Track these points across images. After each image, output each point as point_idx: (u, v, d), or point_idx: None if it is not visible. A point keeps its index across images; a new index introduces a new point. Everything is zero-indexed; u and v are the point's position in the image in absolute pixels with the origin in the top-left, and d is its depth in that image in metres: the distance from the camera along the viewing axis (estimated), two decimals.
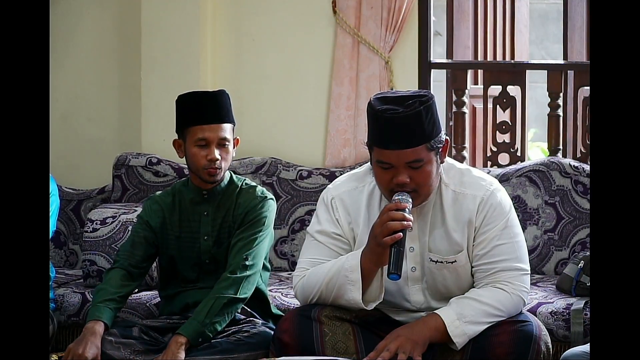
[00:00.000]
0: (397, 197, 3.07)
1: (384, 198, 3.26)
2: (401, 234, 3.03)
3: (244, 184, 3.80)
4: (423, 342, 3.08)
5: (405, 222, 3.03)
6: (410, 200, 3.08)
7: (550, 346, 3.25)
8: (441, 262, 3.25)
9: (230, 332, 3.60)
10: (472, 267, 3.27)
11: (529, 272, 3.30)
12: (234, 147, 3.74)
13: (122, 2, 5.04)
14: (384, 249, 3.06)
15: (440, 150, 3.18)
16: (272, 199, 3.80)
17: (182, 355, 3.45)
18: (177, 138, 3.74)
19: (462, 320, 3.11)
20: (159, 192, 3.97)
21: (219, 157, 3.62)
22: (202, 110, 3.67)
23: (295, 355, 3.16)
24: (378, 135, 3.15)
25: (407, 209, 3.05)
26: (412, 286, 3.29)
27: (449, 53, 6.26)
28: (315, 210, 3.49)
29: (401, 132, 3.11)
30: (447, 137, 3.26)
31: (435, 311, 3.15)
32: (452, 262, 3.26)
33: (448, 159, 3.39)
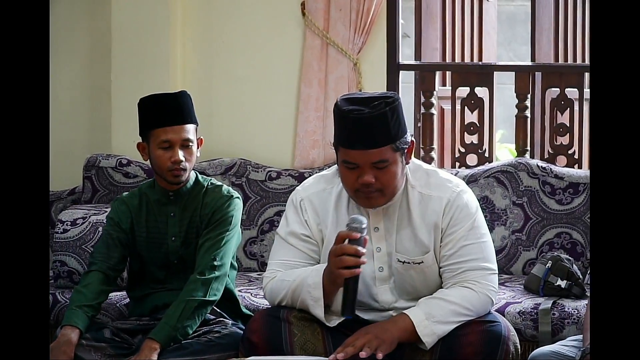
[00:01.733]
0: (352, 225, 3.06)
1: (352, 200, 3.30)
2: (359, 269, 3.05)
3: (209, 184, 3.82)
4: (391, 341, 3.08)
5: (360, 260, 3.03)
6: (365, 222, 3.08)
7: (519, 346, 3.26)
8: (408, 262, 3.26)
9: (200, 332, 3.61)
10: (439, 267, 3.28)
11: (497, 271, 3.32)
12: (198, 148, 3.74)
13: (92, 4, 5.03)
14: (338, 279, 3.08)
15: (405, 151, 3.19)
16: (238, 197, 3.81)
17: (155, 358, 3.46)
18: (140, 141, 3.75)
19: (431, 320, 3.12)
20: (125, 193, 3.97)
21: (182, 159, 3.63)
22: (163, 112, 3.68)
23: (265, 356, 3.17)
24: (344, 136, 3.17)
25: (360, 239, 3.04)
26: (380, 286, 3.30)
27: (417, 55, 6.25)
28: (284, 211, 3.48)
29: (367, 133, 3.12)
30: (413, 139, 3.28)
31: (404, 311, 3.15)
32: (419, 263, 3.27)
33: (415, 160, 3.42)
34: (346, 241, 3.04)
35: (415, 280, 3.30)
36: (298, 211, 3.37)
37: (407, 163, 3.25)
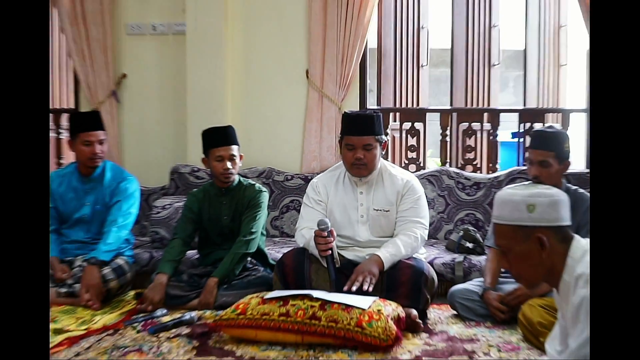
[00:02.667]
0: (320, 226, 3.13)
1: (346, 178, 3.46)
2: (329, 250, 3.14)
3: (248, 183, 3.83)
4: (376, 273, 3.13)
5: (327, 246, 3.12)
6: (328, 223, 3.14)
7: (436, 278, 3.33)
8: (379, 210, 3.39)
9: (243, 275, 3.66)
10: (396, 217, 3.39)
11: (427, 226, 3.43)
12: (240, 160, 3.75)
13: (175, 66, 4.87)
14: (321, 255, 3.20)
15: (382, 144, 3.38)
16: (265, 191, 3.83)
17: (216, 290, 3.51)
18: (204, 157, 3.76)
19: (389, 253, 3.22)
20: (195, 189, 3.96)
21: (229, 167, 3.69)
22: (218, 138, 3.71)
23: (291, 275, 3.24)
24: (348, 128, 3.36)
25: (327, 232, 3.13)
26: (361, 227, 3.39)
27: (378, 102, 6.16)
28: (298, 199, 3.52)
29: (361, 126, 3.33)
30: (387, 140, 3.47)
31: (376, 253, 3.22)
32: (387, 211, 3.40)
33: (391, 163, 3.59)
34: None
35: (382, 223, 3.41)
36: (314, 188, 3.50)
37: (383, 152, 3.43)
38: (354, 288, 3.04)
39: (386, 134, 4.88)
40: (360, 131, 3.32)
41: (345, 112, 3.46)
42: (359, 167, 3.34)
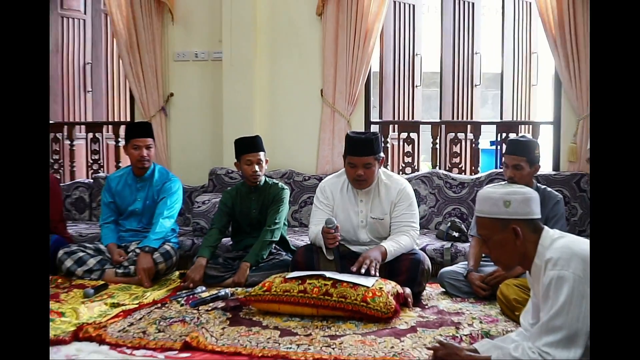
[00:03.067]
0: (327, 225, 3.12)
1: (349, 187, 3.35)
2: (337, 243, 3.14)
3: (272, 182, 3.80)
4: (380, 260, 3.10)
5: (335, 240, 3.12)
6: (334, 222, 3.13)
7: (430, 266, 3.30)
8: (376, 218, 3.31)
9: (269, 259, 3.63)
10: (390, 222, 3.32)
11: (419, 228, 3.37)
12: (266, 164, 3.73)
13: (213, 86, 4.82)
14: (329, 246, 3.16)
15: (380, 161, 3.29)
16: (287, 189, 3.80)
17: (248, 272, 3.50)
18: (236, 161, 3.74)
19: (393, 247, 3.17)
20: (229, 188, 3.96)
21: (257, 170, 3.66)
22: (248, 145, 3.68)
23: (303, 269, 3.16)
24: (351, 148, 3.25)
25: (334, 229, 3.11)
26: (361, 230, 3.34)
27: (380, 116, 6.13)
28: (311, 196, 3.50)
29: (362, 148, 3.22)
30: (384, 156, 3.41)
31: (381, 243, 3.18)
32: (381, 219, 3.32)
33: (386, 170, 3.48)
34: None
35: (379, 228, 3.34)
36: (322, 192, 3.41)
37: (380, 167, 3.33)
38: (362, 270, 3.01)
39: (386, 142, 4.90)
40: (360, 152, 3.22)
41: (348, 133, 3.35)
42: (360, 182, 3.26)
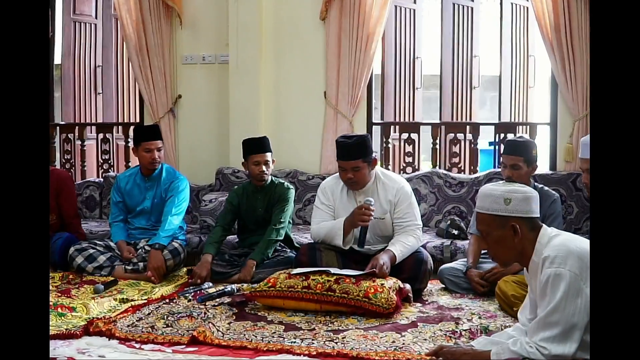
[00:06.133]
0: (366, 201, 3.15)
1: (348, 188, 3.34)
2: (368, 222, 3.16)
3: (278, 182, 3.79)
4: (390, 264, 3.08)
5: (369, 218, 3.14)
6: (373, 201, 3.17)
7: (432, 264, 3.30)
8: (377, 218, 3.26)
9: (274, 256, 3.62)
10: (392, 223, 3.30)
11: (422, 226, 3.36)
12: (272, 163, 3.73)
13: (220, 88, 4.78)
14: (357, 226, 3.18)
15: (370, 163, 3.25)
16: (292, 188, 3.79)
17: (253, 269, 3.49)
18: (243, 161, 3.75)
19: (400, 251, 3.16)
20: (236, 187, 3.96)
21: (264, 170, 3.66)
22: (255, 146, 3.69)
23: (306, 267, 3.14)
24: (339, 153, 3.25)
25: (370, 208, 3.13)
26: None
27: (382, 117, 6.11)
28: (315, 194, 3.46)
29: (349, 152, 3.21)
30: (376, 157, 3.33)
31: (389, 248, 3.17)
32: (382, 219, 3.29)
33: (383, 169, 3.45)
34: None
35: (380, 228, 3.31)
36: (324, 192, 3.40)
37: (372, 169, 3.28)
38: (376, 272, 3.00)
39: (387, 143, 4.89)
40: (347, 157, 3.20)
41: (337, 139, 3.34)
42: (351, 184, 3.27)
